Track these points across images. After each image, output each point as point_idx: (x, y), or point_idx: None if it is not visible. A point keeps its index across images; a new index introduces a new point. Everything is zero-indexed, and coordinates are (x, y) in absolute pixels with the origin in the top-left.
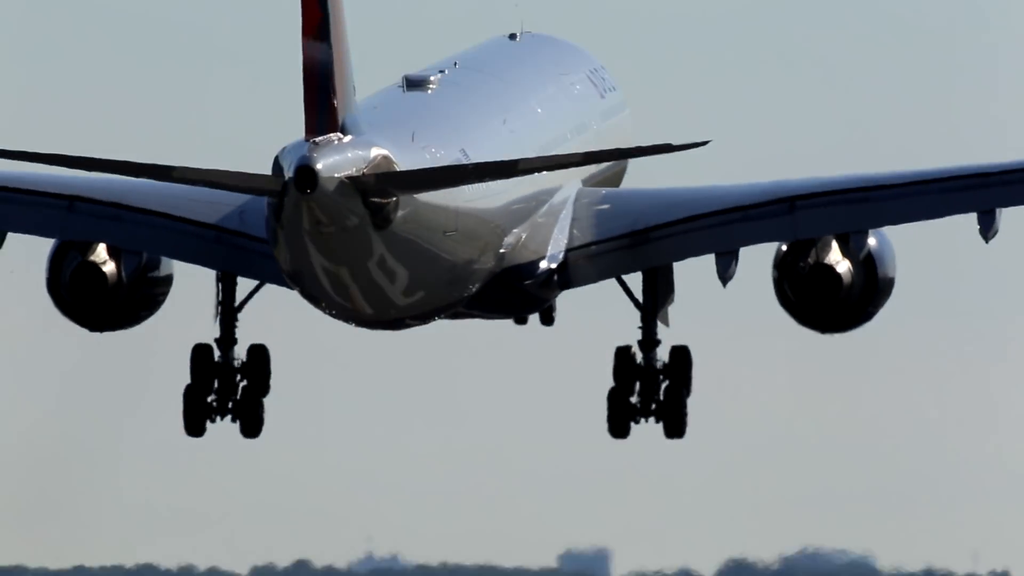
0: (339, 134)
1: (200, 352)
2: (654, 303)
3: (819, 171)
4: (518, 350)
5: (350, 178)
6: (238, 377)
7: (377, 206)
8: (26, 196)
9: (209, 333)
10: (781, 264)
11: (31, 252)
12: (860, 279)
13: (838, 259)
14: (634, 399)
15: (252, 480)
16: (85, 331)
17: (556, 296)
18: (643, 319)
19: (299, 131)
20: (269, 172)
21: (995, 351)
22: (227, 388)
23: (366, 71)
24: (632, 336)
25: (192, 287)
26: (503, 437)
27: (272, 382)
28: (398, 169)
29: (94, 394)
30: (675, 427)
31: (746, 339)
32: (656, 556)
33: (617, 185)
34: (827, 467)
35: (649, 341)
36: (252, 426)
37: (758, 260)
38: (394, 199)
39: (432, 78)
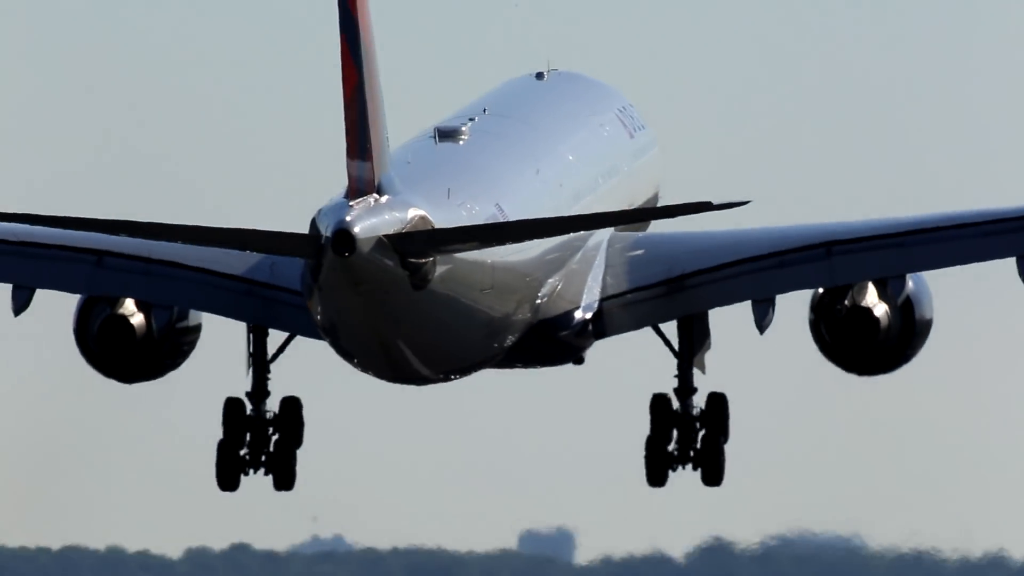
0: (375, 194)
1: (232, 406)
2: (690, 349)
3: (852, 212)
4: (552, 399)
5: (388, 238)
6: (270, 430)
7: (415, 266)
8: (53, 251)
9: (241, 385)
10: (818, 307)
11: (60, 303)
12: (897, 322)
13: (875, 302)
14: (671, 447)
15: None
16: (114, 383)
17: (591, 344)
18: (679, 366)
19: (329, 188)
20: (305, 231)
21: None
22: (259, 441)
23: (394, 110)
24: (668, 383)
25: (223, 337)
26: (540, 488)
27: (305, 433)
28: (435, 228)
29: (126, 448)
30: (713, 474)
31: (783, 385)
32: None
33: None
34: (831, 459)
35: (686, 388)
36: (285, 479)
37: (794, 305)
38: (432, 258)
39: (463, 128)
